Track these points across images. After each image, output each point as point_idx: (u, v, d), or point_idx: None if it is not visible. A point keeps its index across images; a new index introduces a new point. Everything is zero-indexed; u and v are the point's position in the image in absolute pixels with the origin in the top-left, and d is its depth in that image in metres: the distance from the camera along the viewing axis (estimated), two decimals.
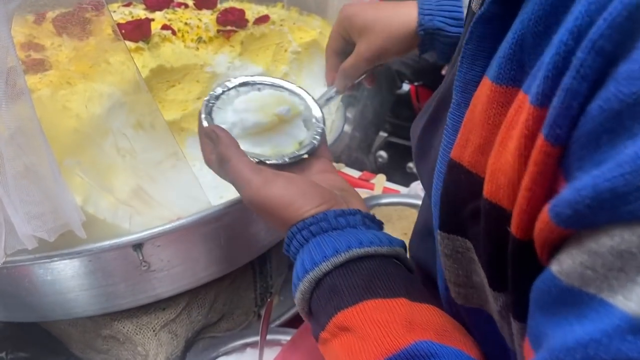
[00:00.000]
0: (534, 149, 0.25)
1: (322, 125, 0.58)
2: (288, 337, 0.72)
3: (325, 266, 0.40)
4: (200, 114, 0.54)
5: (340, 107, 0.89)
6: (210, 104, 0.55)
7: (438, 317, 0.37)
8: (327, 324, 0.38)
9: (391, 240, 0.42)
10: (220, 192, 0.78)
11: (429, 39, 0.65)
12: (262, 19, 0.93)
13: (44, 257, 0.56)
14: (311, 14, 0.98)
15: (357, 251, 0.40)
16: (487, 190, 0.30)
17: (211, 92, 0.56)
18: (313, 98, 0.60)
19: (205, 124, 0.52)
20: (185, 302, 0.72)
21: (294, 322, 0.86)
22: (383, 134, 2.46)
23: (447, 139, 0.37)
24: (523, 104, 0.27)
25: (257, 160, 0.51)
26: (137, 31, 0.76)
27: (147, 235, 0.58)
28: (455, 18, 0.64)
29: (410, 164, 2.45)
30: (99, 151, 0.53)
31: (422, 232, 0.52)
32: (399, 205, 1.05)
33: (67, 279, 0.61)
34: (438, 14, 0.64)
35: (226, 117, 0.55)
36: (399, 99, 2.36)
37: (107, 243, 0.57)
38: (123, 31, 0.76)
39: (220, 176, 0.52)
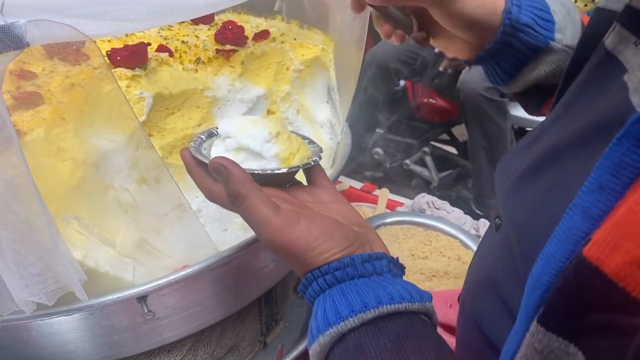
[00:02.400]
0: None
1: (319, 147, 0.54)
2: None
3: (351, 322, 0.37)
4: (188, 149, 0.50)
5: (347, 132, 0.85)
6: (197, 144, 0.52)
7: None
8: None
9: (422, 295, 0.40)
10: (224, 225, 0.74)
11: (509, 32, 0.56)
12: (262, 35, 0.89)
13: (43, 314, 0.53)
14: (312, 27, 0.94)
15: (387, 308, 0.37)
16: None
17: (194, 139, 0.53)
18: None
19: (203, 158, 0.48)
20: (190, 343, 0.69)
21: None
22: (379, 131, 2.44)
23: (573, 222, 0.31)
24: None
25: (252, 170, 0.47)
26: (133, 57, 0.71)
27: (151, 288, 0.55)
28: (544, 19, 0.56)
29: (407, 161, 2.43)
30: (99, 206, 0.49)
31: (484, 286, 0.47)
32: (405, 225, 1.02)
33: (67, 332, 0.57)
34: (527, 10, 0.56)
35: (219, 151, 0.51)
36: (395, 95, 2.33)
37: (109, 298, 0.53)
38: (119, 57, 0.72)
39: (229, 209, 0.47)
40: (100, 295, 0.54)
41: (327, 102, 0.93)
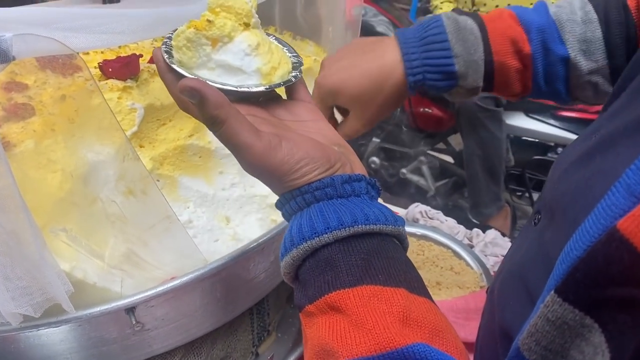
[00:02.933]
0: None
1: (299, 60, 0.50)
2: None
3: (326, 238, 0.37)
4: (161, 49, 0.45)
5: None
6: (170, 47, 0.46)
7: (434, 315, 0.36)
8: (317, 299, 0.37)
9: (395, 219, 0.40)
10: (215, 235, 0.74)
11: (421, 92, 0.63)
12: None
13: (31, 326, 0.53)
14: (305, 39, 0.95)
15: (362, 227, 0.38)
16: None
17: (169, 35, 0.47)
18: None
19: (178, 67, 0.43)
20: (181, 354, 0.69)
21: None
22: (376, 140, 2.44)
23: (614, 199, 0.31)
24: None
25: (229, 87, 0.43)
26: (125, 69, 0.71)
27: (140, 299, 0.54)
28: (445, 73, 0.61)
29: (404, 170, 2.43)
30: (86, 218, 0.49)
31: (514, 276, 0.47)
32: None
33: (55, 344, 0.57)
34: (426, 71, 0.61)
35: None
36: None
37: (97, 309, 0.53)
38: (110, 69, 0.73)
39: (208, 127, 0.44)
40: (89, 307, 0.54)
41: None
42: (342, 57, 0.65)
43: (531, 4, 1.98)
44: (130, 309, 0.55)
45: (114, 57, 0.77)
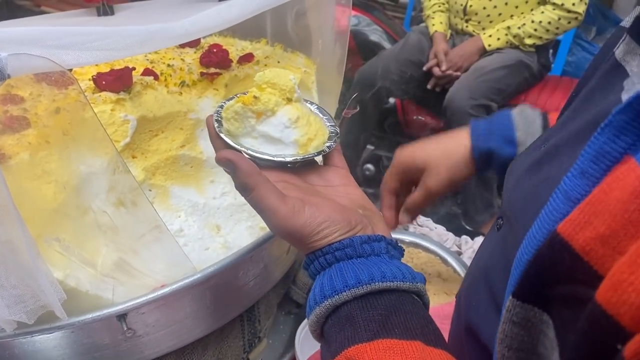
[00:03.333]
0: None
1: (336, 130, 0.54)
2: None
3: (345, 295, 0.40)
4: (213, 116, 0.51)
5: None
6: (219, 115, 0.52)
7: None
8: (339, 354, 0.38)
9: (414, 276, 0.42)
10: (206, 244, 0.76)
11: (484, 161, 0.70)
12: (246, 58, 0.91)
13: (25, 333, 0.54)
14: (295, 51, 0.97)
15: (379, 285, 0.40)
16: (603, 297, 0.26)
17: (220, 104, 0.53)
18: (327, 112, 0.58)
19: (223, 134, 0.49)
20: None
21: None
22: (370, 147, 2.46)
23: (555, 204, 0.33)
24: None
25: (266, 157, 0.48)
26: (118, 82, 0.73)
27: (131, 306, 0.56)
28: (508, 138, 0.69)
29: None
30: (79, 228, 0.51)
31: (479, 280, 0.50)
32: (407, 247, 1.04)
33: (49, 350, 0.59)
34: (490, 137, 0.69)
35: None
36: (386, 112, 2.36)
37: (89, 316, 0.55)
38: (104, 82, 0.74)
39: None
40: (81, 314, 0.55)
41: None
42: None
43: (522, 13, 2.01)
44: (122, 316, 0.57)
45: (108, 70, 0.79)
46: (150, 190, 0.73)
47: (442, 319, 0.85)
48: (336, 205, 0.46)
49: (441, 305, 0.87)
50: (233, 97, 0.52)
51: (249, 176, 0.44)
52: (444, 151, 0.72)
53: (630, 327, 0.25)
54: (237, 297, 0.71)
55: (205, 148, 0.80)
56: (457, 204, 2.32)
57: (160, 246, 0.54)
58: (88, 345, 0.60)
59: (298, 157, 0.49)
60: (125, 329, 0.58)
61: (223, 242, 0.75)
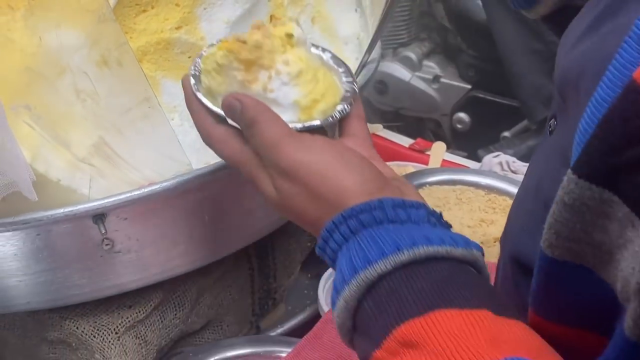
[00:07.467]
0: None
1: (354, 88, 0.59)
2: (289, 350, 0.80)
3: (382, 265, 0.42)
4: (189, 77, 0.57)
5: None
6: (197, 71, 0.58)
7: (531, 337, 0.40)
8: (385, 340, 0.41)
9: (467, 242, 0.46)
10: (204, 157, 0.87)
11: None
12: None
13: None
14: None
15: (424, 249, 0.43)
16: None
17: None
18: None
19: (205, 99, 0.56)
20: (158, 299, 0.81)
21: (300, 331, 0.94)
22: (465, 86, 2.36)
23: (628, 55, 0.37)
24: None
25: None
26: None
27: (111, 204, 0.67)
28: None
29: (506, 133, 2.36)
30: (53, 93, 0.61)
31: (530, 193, 0.55)
32: (459, 185, 1.10)
33: (7, 258, 0.70)
34: None
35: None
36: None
37: (60, 211, 0.65)
38: None
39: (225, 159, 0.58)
40: (50, 208, 0.66)
41: (356, 9, 1.01)
42: None
43: None
44: (99, 216, 0.67)
45: None
46: None
47: None
48: (362, 156, 0.52)
49: None
50: (214, 45, 0.57)
51: (256, 110, 0.53)
52: None
53: None
54: (243, 222, 0.81)
55: (208, 32, 0.89)
56: None
57: (150, 126, 0.66)
58: (55, 256, 0.71)
59: (297, 125, 0.54)
60: (103, 235, 0.68)
61: None
